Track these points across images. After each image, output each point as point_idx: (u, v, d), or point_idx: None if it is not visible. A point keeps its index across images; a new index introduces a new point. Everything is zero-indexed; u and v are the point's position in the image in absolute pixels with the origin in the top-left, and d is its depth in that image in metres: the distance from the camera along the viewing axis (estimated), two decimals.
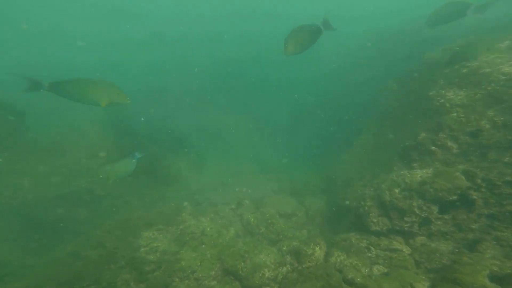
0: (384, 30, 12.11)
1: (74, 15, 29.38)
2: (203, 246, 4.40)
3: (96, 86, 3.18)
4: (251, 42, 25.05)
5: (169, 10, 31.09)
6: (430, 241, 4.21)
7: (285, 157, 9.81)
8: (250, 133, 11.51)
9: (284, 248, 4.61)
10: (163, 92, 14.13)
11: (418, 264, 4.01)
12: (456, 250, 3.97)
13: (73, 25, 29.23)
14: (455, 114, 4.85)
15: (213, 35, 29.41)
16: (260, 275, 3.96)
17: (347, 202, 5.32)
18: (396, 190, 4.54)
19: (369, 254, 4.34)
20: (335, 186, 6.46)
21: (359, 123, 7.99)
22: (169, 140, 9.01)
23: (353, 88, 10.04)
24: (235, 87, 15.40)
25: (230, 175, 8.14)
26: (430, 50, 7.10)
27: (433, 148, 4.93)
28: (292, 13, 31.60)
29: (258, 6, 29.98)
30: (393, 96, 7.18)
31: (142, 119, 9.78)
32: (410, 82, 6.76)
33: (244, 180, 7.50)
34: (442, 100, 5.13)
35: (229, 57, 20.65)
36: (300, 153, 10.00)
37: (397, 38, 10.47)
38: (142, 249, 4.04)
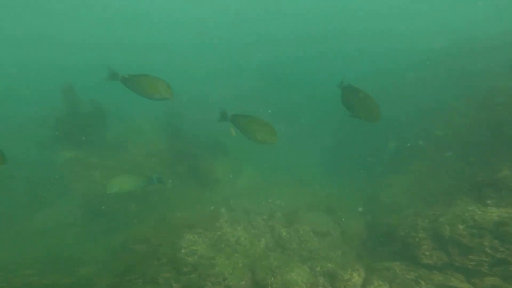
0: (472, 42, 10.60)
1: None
2: (236, 254, 4.54)
3: (263, 125, 3.38)
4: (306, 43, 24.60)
5: (225, 15, 32.87)
6: (507, 284, 3.64)
7: (323, 171, 9.43)
8: (289, 142, 11.39)
9: (317, 269, 4.47)
10: (208, 97, 15.16)
11: None
12: None
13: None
14: None
15: (263, 37, 30.01)
16: None
17: (393, 230, 4.88)
18: (461, 226, 4.14)
19: None
20: (377, 209, 5.96)
21: (412, 144, 7.21)
22: (211, 144, 9.55)
23: (411, 107, 9.00)
24: (279, 94, 15.46)
25: (265, 184, 8.19)
26: None
27: None
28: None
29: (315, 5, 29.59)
30: (464, 121, 6.35)
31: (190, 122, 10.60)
32: (490, 108, 5.91)
33: (278, 191, 7.45)
34: None
35: (274, 62, 20.88)
36: (339, 169, 9.48)
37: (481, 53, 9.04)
38: (182, 251, 4.37)
